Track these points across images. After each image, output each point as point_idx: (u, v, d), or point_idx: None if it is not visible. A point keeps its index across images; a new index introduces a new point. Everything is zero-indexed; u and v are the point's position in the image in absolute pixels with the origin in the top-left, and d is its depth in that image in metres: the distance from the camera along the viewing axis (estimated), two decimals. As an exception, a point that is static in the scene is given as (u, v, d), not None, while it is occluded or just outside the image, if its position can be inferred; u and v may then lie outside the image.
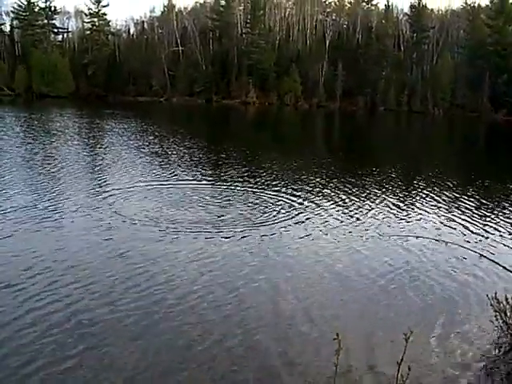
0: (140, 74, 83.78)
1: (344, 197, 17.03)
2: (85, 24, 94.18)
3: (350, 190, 18.38)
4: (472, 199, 17.46)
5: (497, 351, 7.33)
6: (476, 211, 15.69)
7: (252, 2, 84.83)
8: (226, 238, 11.87)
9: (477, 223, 14.12)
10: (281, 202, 15.53)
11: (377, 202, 16.49)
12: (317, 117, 68.73)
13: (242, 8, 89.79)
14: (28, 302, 8.12)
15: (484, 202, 17.24)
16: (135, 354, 6.86)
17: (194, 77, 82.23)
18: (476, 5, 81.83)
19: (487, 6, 79.77)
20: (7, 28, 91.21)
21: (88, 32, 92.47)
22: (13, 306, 7.95)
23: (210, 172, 21.35)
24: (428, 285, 9.55)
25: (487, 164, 29.71)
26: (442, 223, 14.05)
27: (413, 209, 15.80)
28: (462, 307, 8.65)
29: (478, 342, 7.52)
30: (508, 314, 7.50)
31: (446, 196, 17.95)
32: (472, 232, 13.26)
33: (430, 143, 43.02)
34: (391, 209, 15.56)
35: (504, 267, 8.91)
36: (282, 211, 14.45)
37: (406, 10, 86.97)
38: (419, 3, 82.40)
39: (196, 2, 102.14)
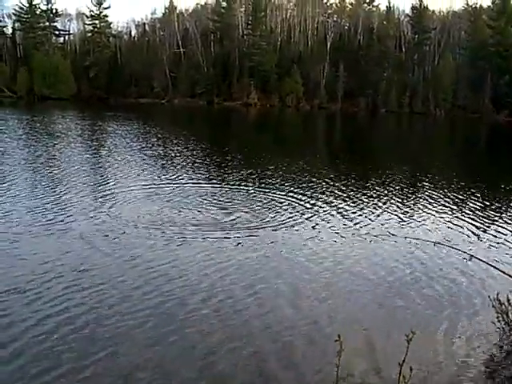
0: (141, 76, 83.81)
1: (349, 198, 17.07)
2: (86, 26, 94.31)
3: (355, 191, 18.39)
4: (475, 201, 17.45)
5: (499, 353, 7.33)
6: (480, 213, 15.66)
7: (253, 4, 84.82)
8: (238, 240, 11.85)
9: (480, 226, 14.11)
10: (288, 204, 15.55)
11: (381, 203, 16.48)
12: (318, 118, 68.71)
13: (243, 9, 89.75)
14: (42, 308, 8.04)
15: (487, 203, 17.22)
16: (153, 362, 6.77)
17: (196, 78, 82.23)
18: (477, 6, 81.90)
19: (489, 6, 79.64)
20: (9, 30, 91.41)
21: (89, 34, 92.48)
22: (27, 313, 7.85)
23: (215, 174, 21.32)
24: (431, 287, 9.56)
25: (489, 165, 29.67)
26: (446, 225, 14.06)
27: (418, 210, 15.78)
28: (465, 309, 8.65)
29: (480, 343, 7.52)
30: (510, 315, 7.50)
31: (449, 198, 17.93)
32: (475, 234, 13.27)
33: (432, 144, 42.96)
34: (395, 210, 15.59)
35: (504, 272, 8.89)
36: (290, 212, 14.48)
37: (408, 11, 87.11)
38: (420, 4, 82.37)
39: (197, 4, 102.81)
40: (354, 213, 14.97)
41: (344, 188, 18.86)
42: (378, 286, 9.51)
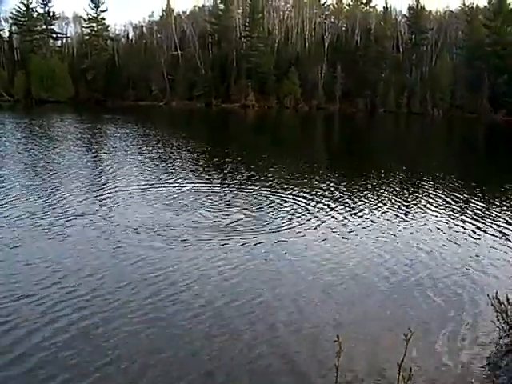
0: (139, 79, 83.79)
1: (350, 199, 17.10)
2: (83, 29, 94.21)
3: (355, 192, 18.42)
4: (475, 200, 17.49)
5: (498, 351, 7.33)
6: (480, 213, 15.72)
7: (250, 6, 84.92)
8: (241, 243, 11.82)
9: (480, 225, 14.12)
10: (289, 206, 15.55)
11: (381, 204, 16.52)
12: (317, 119, 68.75)
13: (240, 11, 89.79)
14: (46, 314, 8.00)
15: (486, 203, 17.26)
16: (158, 367, 6.75)
17: (194, 81, 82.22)
18: (474, 6, 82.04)
19: (485, 6, 79.85)
20: (6, 34, 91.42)
21: (87, 37, 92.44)
22: (31, 319, 7.82)
23: (216, 176, 21.16)
24: (432, 287, 9.56)
25: (487, 164, 29.69)
26: (447, 225, 14.06)
27: (419, 211, 15.81)
28: (465, 308, 8.65)
29: (479, 342, 7.52)
30: (509, 314, 7.50)
31: (450, 198, 17.94)
32: (475, 233, 13.29)
33: (430, 144, 43.02)
34: (396, 211, 15.63)
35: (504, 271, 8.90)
36: (291, 214, 14.47)
37: (405, 11, 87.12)
38: (417, 5, 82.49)
39: (194, 6, 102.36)
40: (354, 214, 14.98)
41: (344, 189, 18.87)
42: (380, 287, 9.52)
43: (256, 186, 18.73)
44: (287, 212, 14.77)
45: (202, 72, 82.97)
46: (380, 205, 16.32)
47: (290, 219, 13.95)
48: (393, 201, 17.12)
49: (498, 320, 7.58)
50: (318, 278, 9.87)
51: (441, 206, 16.50)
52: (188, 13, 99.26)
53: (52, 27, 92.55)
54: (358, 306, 8.83)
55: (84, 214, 13.95)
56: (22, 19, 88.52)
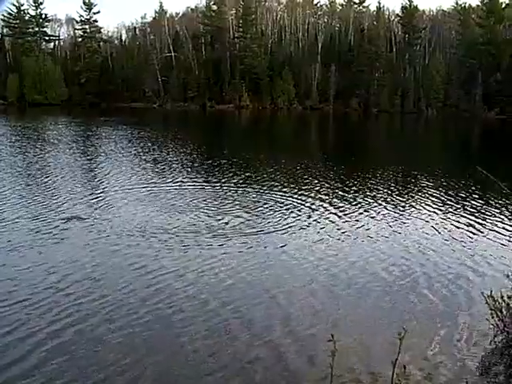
0: (133, 81, 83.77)
1: (344, 199, 17.19)
2: (76, 31, 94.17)
3: (350, 192, 18.45)
4: (470, 199, 17.52)
5: (493, 349, 7.31)
6: (476, 211, 15.75)
7: (243, 7, 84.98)
8: (237, 244, 11.76)
9: (477, 223, 14.16)
10: (287, 206, 15.51)
11: (376, 203, 16.55)
12: (311, 119, 68.88)
13: (233, 12, 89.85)
14: (47, 317, 7.92)
15: (481, 201, 17.25)
16: (156, 372, 6.70)
17: (187, 82, 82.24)
18: (467, 5, 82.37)
19: (478, 5, 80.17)
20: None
21: (80, 39, 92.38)
22: (32, 323, 7.74)
23: (212, 178, 21.04)
24: (428, 285, 9.56)
25: (480, 163, 29.74)
26: (445, 224, 14.08)
27: (416, 209, 15.87)
28: (459, 307, 8.64)
29: (473, 340, 7.50)
30: (504, 312, 7.48)
31: (444, 197, 18.06)
32: (472, 232, 13.30)
33: (424, 144, 43.20)
34: (393, 210, 15.65)
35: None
36: (288, 215, 14.44)
37: (398, 11, 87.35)
38: (410, 4, 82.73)
39: (187, 7, 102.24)
40: (349, 214, 14.97)
41: (339, 189, 18.93)
42: (375, 286, 9.49)
43: (251, 187, 18.69)
44: (283, 213, 14.73)
45: (196, 73, 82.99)
46: (374, 205, 16.29)
47: (286, 220, 13.91)
48: (387, 201, 17.12)
49: (493, 318, 7.56)
50: (313, 278, 9.84)
51: (436, 205, 16.50)
52: (181, 14, 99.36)
53: (44, 29, 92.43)
54: (353, 305, 8.80)
55: (78, 216, 13.82)
56: (14, 21, 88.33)
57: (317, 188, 18.82)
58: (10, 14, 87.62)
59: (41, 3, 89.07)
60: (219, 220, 13.76)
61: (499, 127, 60.74)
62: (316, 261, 10.80)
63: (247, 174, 21.40)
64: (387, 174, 23.19)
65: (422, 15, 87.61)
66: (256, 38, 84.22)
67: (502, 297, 7.55)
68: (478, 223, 14.13)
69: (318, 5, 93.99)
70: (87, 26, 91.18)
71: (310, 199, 16.67)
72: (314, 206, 15.68)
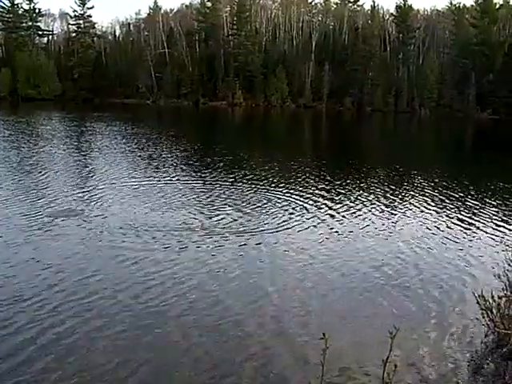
0: (126, 77, 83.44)
1: (339, 198, 17.19)
2: (70, 26, 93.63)
3: (345, 191, 18.47)
4: (466, 199, 17.59)
5: (484, 348, 7.36)
6: (469, 211, 15.83)
7: (238, 4, 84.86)
8: (234, 242, 11.76)
9: (472, 222, 14.25)
10: (282, 204, 15.50)
11: (369, 202, 16.55)
12: (304, 118, 68.87)
13: (227, 10, 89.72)
14: (46, 316, 7.88)
15: (475, 200, 17.34)
16: (150, 367, 6.68)
17: (181, 79, 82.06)
18: (461, 5, 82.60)
19: (472, 6, 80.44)
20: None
21: (73, 34, 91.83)
22: (24, 319, 7.72)
23: (205, 175, 20.84)
24: (420, 283, 9.62)
25: (473, 163, 29.88)
26: (437, 223, 14.13)
27: (408, 210, 15.86)
28: (451, 306, 8.69)
29: (464, 339, 7.55)
30: (494, 311, 7.53)
31: (439, 196, 18.08)
32: (467, 230, 13.39)
33: (418, 143, 43.30)
34: (383, 209, 15.68)
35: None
36: (283, 214, 14.39)
37: (392, 10, 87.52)
38: (405, 4, 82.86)
39: (182, 4, 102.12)
40: (343, 213, 15.00)
41: (334, 188, 18.92)
42: (367, 285, 9.52)
43: (245, 185, 18.67)
44: (275, 211, 14.74)
45: (189, 70, 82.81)
46: (367, 204, 16.29)
47: (279, 219, 13.91)
48: (380, 200, 17.12)
49: (484, 317, 7.61)
50: (305, 277, 9.86)
51: (428, 205, 16.53)
52: (175, 10, 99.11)
53: (38, 24, 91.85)
54: (345, 303, 8.84)
55: (73, 213, 13.78)
56: (7, 16, 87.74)
57: (310, 187, 18.85)
58: (3, 8, 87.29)
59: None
60: (212, 218, 13.75)
61: (492, 127, 61.01)
62: (308, 260, 10.82)
63: (241, 172, 21.36)
64: (380, 173, 23.28)
65: (416, 15, 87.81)
66: (250, 35, 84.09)
67: (492, 297, 7.60)
68: (471, 223, 14.19)
69: (313, 3, 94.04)
70: (81, 21, 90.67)
71: (302, 198, 16.66)
72: (306, 205, 15.66)
